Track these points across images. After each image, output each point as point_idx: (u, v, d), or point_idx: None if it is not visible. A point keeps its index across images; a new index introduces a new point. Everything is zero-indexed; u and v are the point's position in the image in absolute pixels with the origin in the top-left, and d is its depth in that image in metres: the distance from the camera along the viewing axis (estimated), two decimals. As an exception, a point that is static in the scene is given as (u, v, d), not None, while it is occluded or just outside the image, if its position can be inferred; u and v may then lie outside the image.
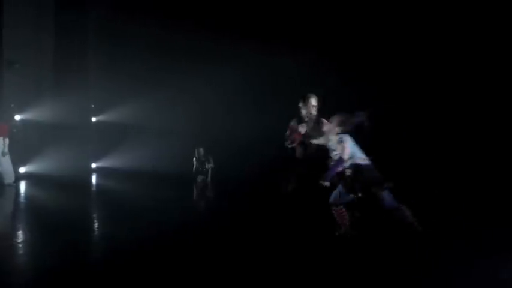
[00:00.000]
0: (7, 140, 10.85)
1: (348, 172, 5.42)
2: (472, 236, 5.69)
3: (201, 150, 12.04)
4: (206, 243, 5.60)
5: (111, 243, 5.73)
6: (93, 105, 15.05)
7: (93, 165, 14.75)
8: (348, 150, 5.39)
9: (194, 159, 11.89)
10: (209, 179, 11.98)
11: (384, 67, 10.49)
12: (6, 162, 10.84)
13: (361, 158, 5.44)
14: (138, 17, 13.70)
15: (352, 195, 5.45)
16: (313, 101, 6.09)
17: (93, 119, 15.20)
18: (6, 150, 10.81)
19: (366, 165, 5.41)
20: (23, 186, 11.27)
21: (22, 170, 12.47)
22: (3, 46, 12.58)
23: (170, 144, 13.14)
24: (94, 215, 7.95)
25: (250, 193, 9.76)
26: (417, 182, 8.42)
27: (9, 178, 10.95)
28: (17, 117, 12.86)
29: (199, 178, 11.83)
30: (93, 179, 13.33)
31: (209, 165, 11.88)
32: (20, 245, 5.59)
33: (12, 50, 12.71)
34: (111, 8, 14.65)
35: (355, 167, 5.35)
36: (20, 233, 6.46)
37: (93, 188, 11.84)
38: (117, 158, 14.22)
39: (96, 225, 7.11)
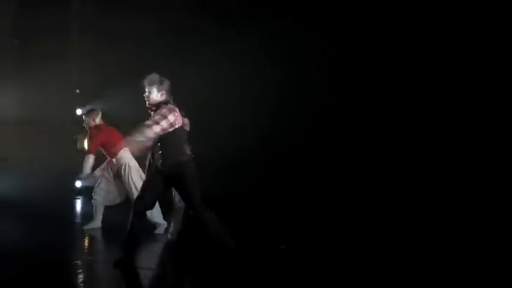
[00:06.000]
0: None
1: None
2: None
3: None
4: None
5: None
6: (78, 91, 13.14)
7: (78, 184, 12.30)
8: None
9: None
10: None
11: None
12: None
13: None
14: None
15: None
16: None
17: (78, 112, 12.87)
18: None
19: None
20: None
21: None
22: None
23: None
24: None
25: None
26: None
27: None
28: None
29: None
30: (79, 205, 11.32)
31: None
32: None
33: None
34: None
35: None
36: None
37: (78, 222, 9.59)
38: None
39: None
